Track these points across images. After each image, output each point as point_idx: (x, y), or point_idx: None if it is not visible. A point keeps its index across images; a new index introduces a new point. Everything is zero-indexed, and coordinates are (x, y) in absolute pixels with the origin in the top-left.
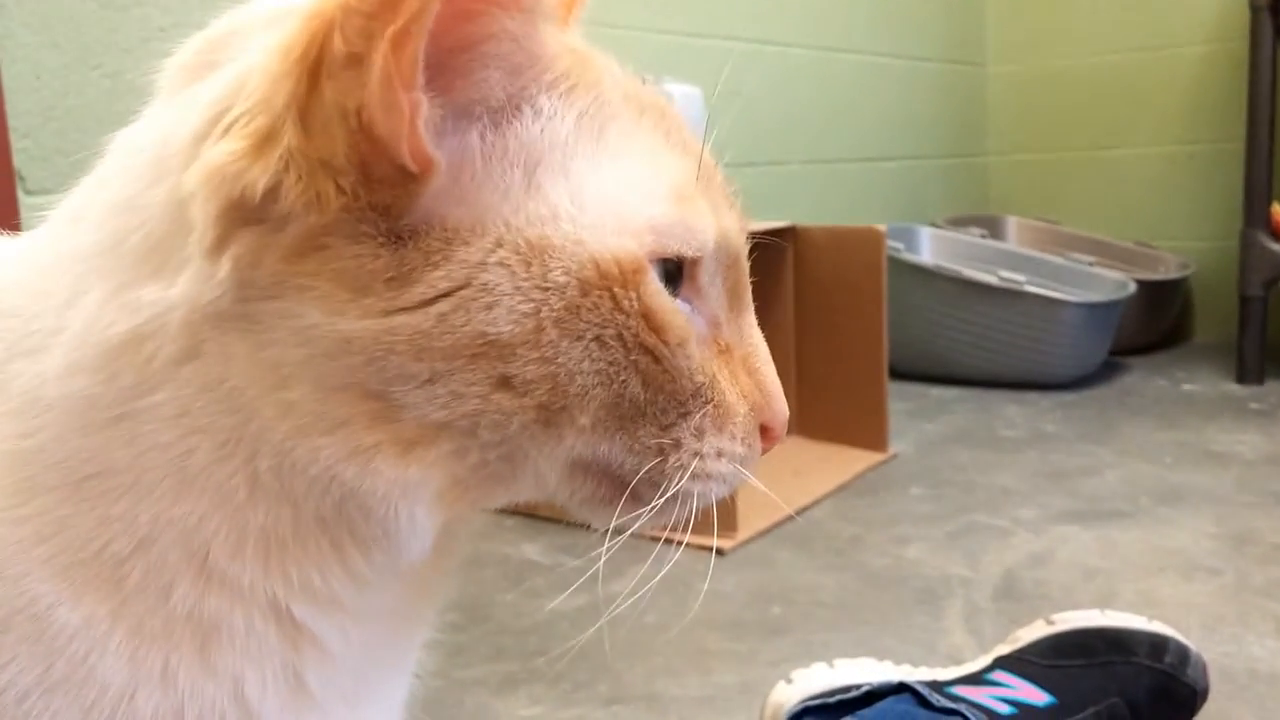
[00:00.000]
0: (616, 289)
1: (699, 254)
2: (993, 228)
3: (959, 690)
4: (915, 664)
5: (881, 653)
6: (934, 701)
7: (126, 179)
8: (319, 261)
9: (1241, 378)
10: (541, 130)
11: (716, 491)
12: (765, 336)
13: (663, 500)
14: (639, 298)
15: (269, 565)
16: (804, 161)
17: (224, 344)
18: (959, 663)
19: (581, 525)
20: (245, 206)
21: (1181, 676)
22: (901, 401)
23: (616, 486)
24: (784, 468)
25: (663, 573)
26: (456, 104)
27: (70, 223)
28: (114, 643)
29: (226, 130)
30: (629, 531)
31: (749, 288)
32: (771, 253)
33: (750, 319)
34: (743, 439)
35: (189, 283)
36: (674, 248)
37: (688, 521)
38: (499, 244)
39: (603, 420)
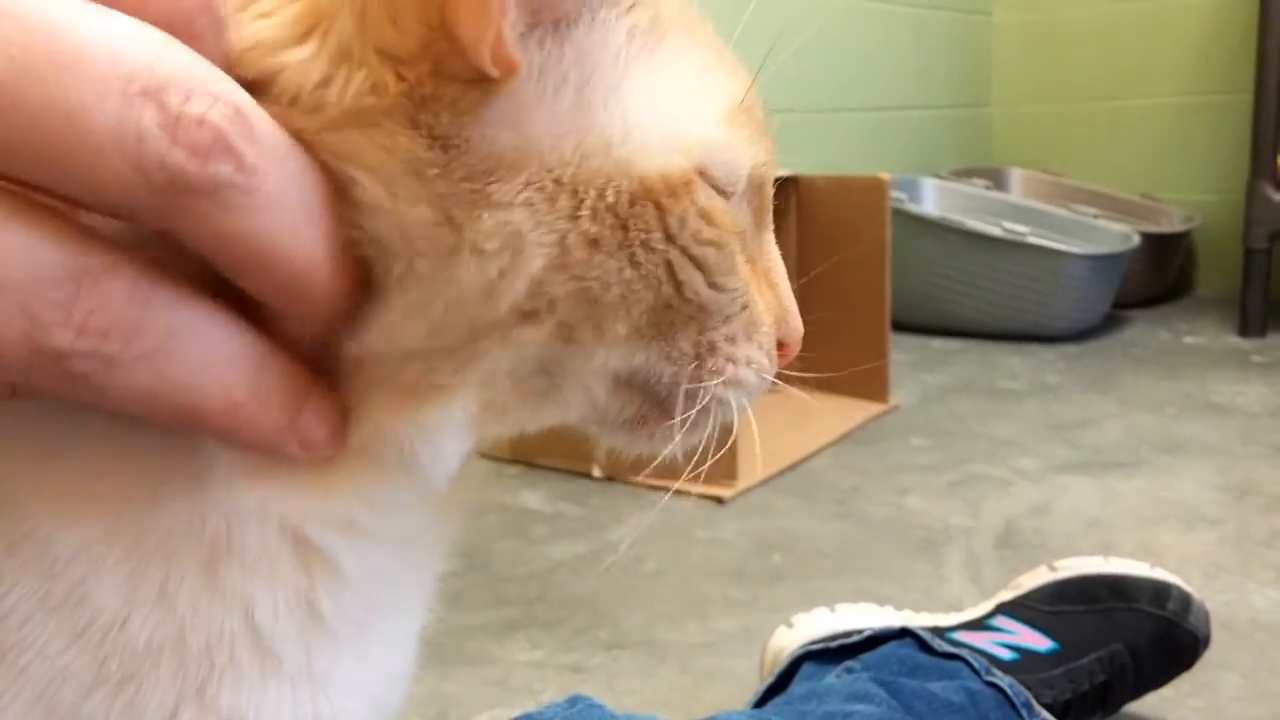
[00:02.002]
0: (665, 199)
1: (732, 184)
2: (997, 179)
3: (961, 636)
4: (916, 611)
5: (882, 600)
6: (936, 647)
7: None
8: (365, 136)
9: (1244, 330)
10: (596, 41)
11: (742, 401)
12: None
13: (698, 409)
14: (693, 203)
15: (276, 479)
16: (807, 111)
17: None
18: (959, 610)
19: (585, 474)
20: (263, 91)
21: (1184, 624)
22: (903, 352)
23: (655, 402)
24: (785, 417)
25: (649, 519)
26: (530, 8)
27: None
28: (110, 562)
29: (263, 14)
30: (665, 451)
31: (771, 208)
32: (774, 201)
33: (771, 236)
34: (767, 350)
35: None
36: (715, 172)
37: (704, 451)
38: (529, 183)
39: (645, 325)
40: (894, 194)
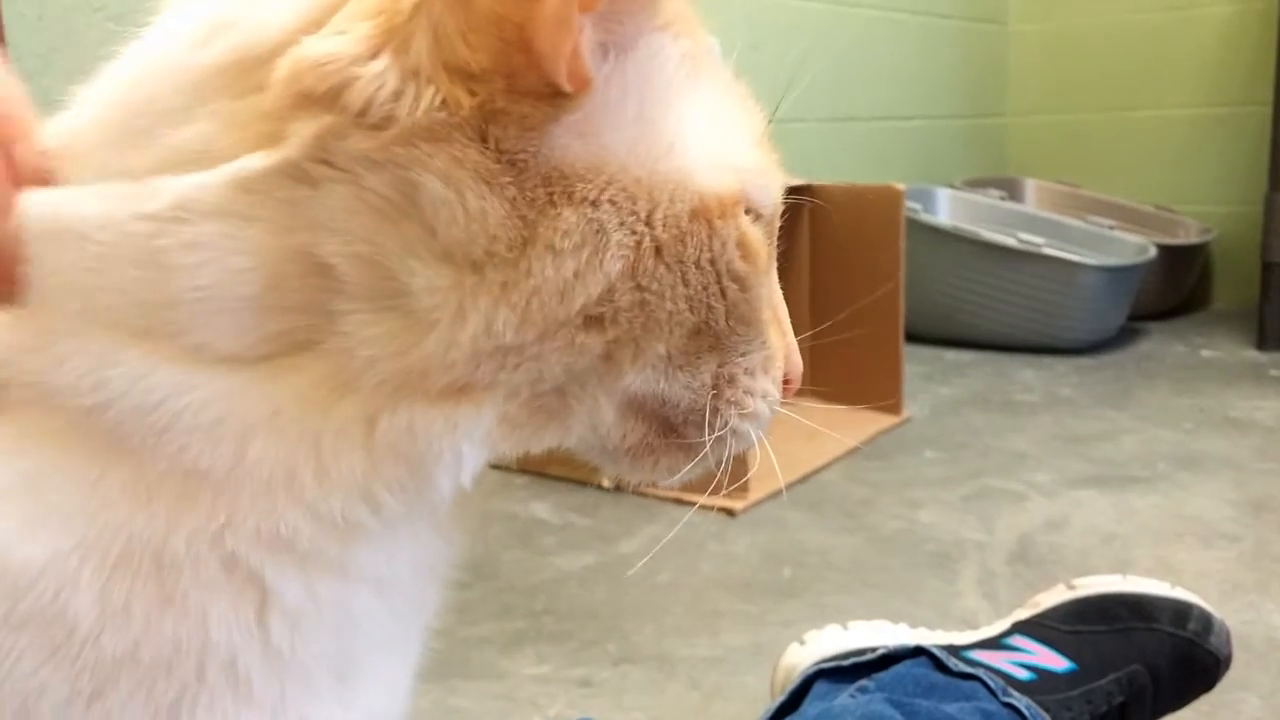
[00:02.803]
0: (716, 220)
1: (764, 210)
2: (1011, 190)
3: (977, 655)
4: (929, 627)
5: (894, 616)
6: (951, 666)
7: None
8: (436, 147)
9: (1262, 344)
10: (654, 65)
11: (754, 434)
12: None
13: (712, 439)
14: (736, 227)
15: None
16: (821, 120)
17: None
18: (973, 627)
19: (595, 484)
20: (335, 107)
21: (1204, 644)
22: (916, 364)
23: (665, 429)
24: (797, 429)
25: (673, 533)
26: (600, 29)
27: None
28: (85, 577)
29: (339, 31)
30: (680, 476)
31: (775, 249)
32: (787, 211)
33: (775, 274)
34: (778, 385)
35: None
36: (754, 195)
37: (714, 475)
38: (610, 181)
39: (676, 350)
40: (908, 204)
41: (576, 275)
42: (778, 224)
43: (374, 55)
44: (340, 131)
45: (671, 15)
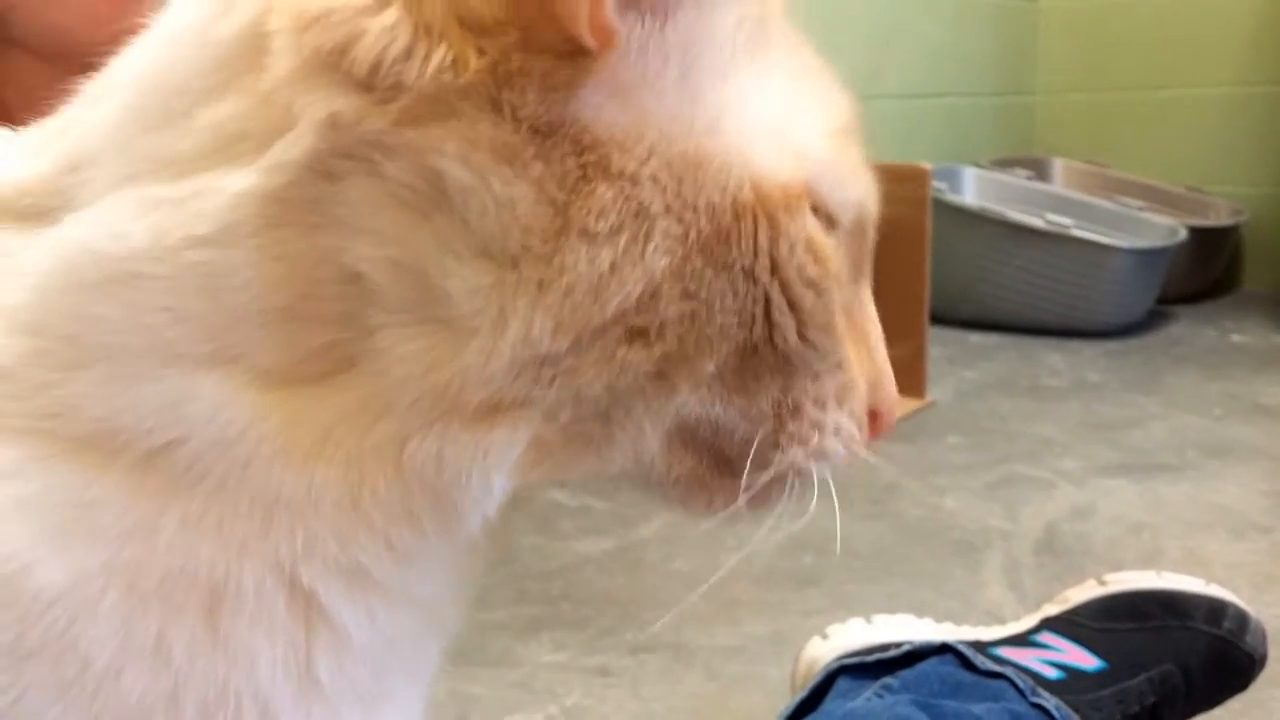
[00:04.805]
0: (780, 213)
1: (839, 212)
2: (1039, 169)
3: (1004, 652)
4: (953, 618)
5: (917, 606)
6: (978, 664)
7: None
8: (446, 128)
9: None
10: (703, 23)
11: (826, 474)
12: None
13: (771, 477)
14: (803, 227)
15: (273, 521)
16: None
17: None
18: (998, 618)
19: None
20: (341, 68)
21: (1240, 643)
22: (941, 347)
23: (718, 462)
24: None
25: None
26: None
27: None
28: (105, 606)
29: None
30: (729, 516)
31: (870, 258)
32: None
33: (868, 292)
34: (859, 418)
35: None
36: (824, 193)
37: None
38: (651, 153)
39: (729, 371)
40: (934, 184)
41: (614, 268)
42: (871, 234)
43: (384, 7)
44: (356, 112)
45: None
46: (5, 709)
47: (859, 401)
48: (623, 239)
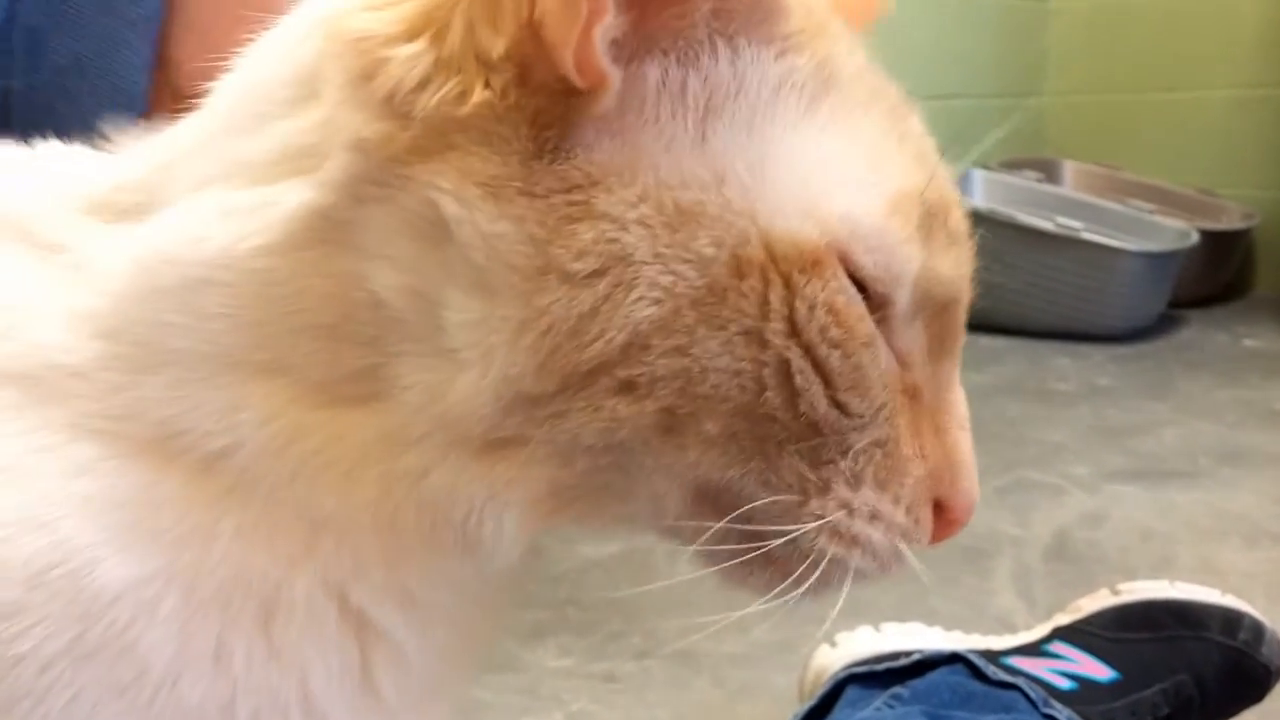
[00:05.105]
0: (795, 274)
1: (883, 286)
2: (1049, 171)
3: (1015, 662)
4: (962, 625)
5: (927, 613)
6: (989, 674)
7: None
8: (446, 162)
9: None
10: (734, 76)
11: (861, 565)
12: None
13: (797, 559)
14: (819, 290)
15: (317, 540)
16: None
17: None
18: (1008, 626)
19: None
20: (369, 93)
21: (1255, 655)
22: None
23: (743, 534)
24: None
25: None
26: (650, 27)
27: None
28: (164, 610)
29: (386, 5)
30: (755, 599)
31: (960, 339)
32: None
33: (952, 372)
34: (908, 507)
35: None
36: (860, 260)
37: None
38: (643, 198)
39: (737, 435)
40: None
41: (593, 313)
42: (957, 313)
43: (411, 38)
44: (380, 138)
45: (785, 29)
46: (60, 709)
47: (909, 488)
48: (603, 283)
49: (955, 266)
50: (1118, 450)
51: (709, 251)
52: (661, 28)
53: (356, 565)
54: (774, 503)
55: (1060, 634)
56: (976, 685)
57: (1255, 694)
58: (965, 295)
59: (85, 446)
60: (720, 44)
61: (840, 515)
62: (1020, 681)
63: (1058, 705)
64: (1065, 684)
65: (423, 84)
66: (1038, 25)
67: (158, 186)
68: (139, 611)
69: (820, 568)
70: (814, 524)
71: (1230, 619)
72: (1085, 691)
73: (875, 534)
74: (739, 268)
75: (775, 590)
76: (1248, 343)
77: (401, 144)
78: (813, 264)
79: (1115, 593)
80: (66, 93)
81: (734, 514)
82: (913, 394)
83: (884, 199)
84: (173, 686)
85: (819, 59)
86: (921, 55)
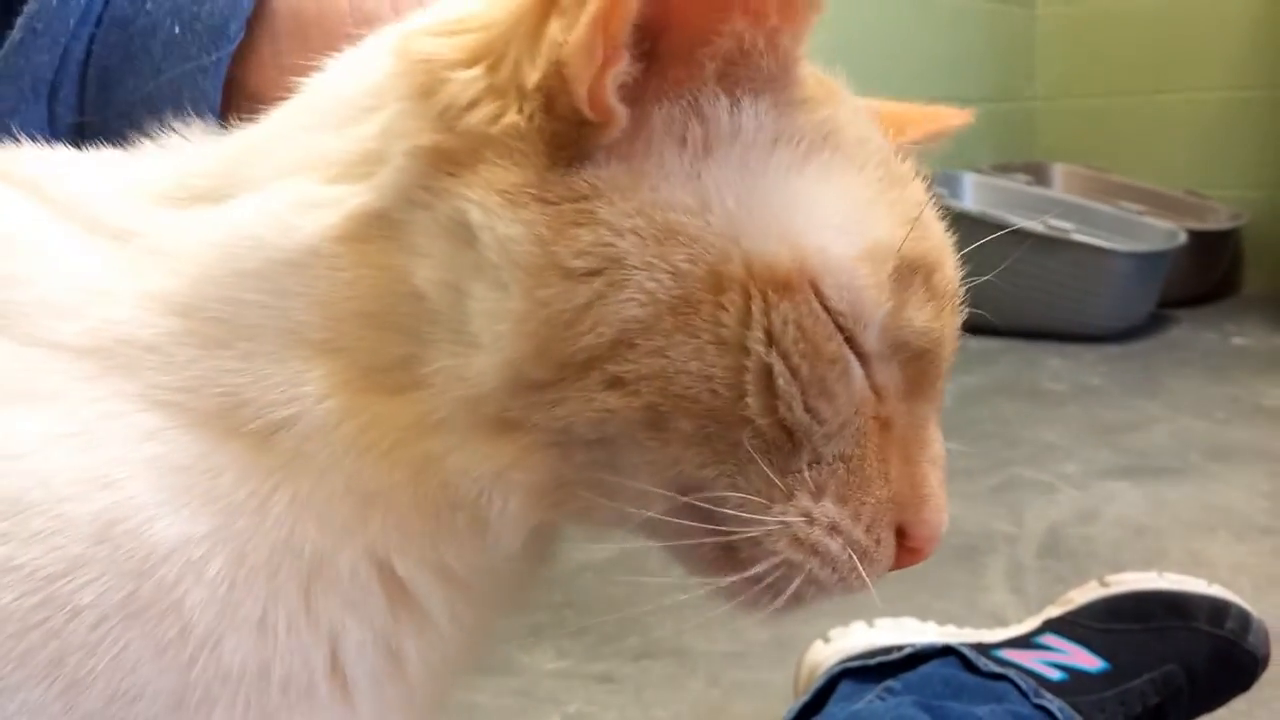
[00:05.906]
0: (771, 290)
1: (849, 322)
2: (1039, 174)
3: (1007, 654)
4: (956, 621)
5: (921, 610)
6: (981, 666)
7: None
8: (475, 174)
9: None
10: (732, 126)
11: (817, 574)
12: None
13: (763, 559)
14: (790, 309)
15: (368, 513)
16: None
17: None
18: (1001, 622)
19: None
20: (427, 108)
21: (1243, 643)
22: None
23: (716, 529)
24: None
25: None
26: (659, 78)
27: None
28: (211, 571)
29: (450, 34)
30: (722, 594)
31: (939, 386)
32: None
33: (929, 415)
34: (868, 526)
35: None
36: (828, 292)
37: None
38: (639, 211)
39: (710, 437)
40: (934, 189)
41: (587, 307)
42: (936, 363)
43: (471, 64)
44: (432, 150)
45: (793, 96)
46: (106, 664)
47: (870, 506)
48: (598, 281)
49: (931, 320)
50: (1109, 448)
51: (684, 266)
52: (670, 80)
53: (402, 539)
54: (743, 504)
55: (1051, 626)
56: (968, 677)
57: (1243, 682)
58: (944, 348)
59: (153, 416)
60: (723, 98)
61: (800, 522)
62: (1011, 673)
63: (1049, 695)
64: (1056, 675)
65: (472, 104)
66: (1025, 30)
67: (235, 171)
68: (186, 570)
69: (779, 570)
70: (775, 526)
71: (1218, 609)
72: (1076, 682)
73: (833, 545)
74: (719, 283)
75: (743, 593)
76: (1236, 341)
77: (444, 154)
78: (785, 285)
79: (1104, 584)
80: (138, 126)
81: (707, 507)
82: (884, 424)
83: (859, 246)
84: (214, 648)
85: (819, 120)
86: (912, 60)
